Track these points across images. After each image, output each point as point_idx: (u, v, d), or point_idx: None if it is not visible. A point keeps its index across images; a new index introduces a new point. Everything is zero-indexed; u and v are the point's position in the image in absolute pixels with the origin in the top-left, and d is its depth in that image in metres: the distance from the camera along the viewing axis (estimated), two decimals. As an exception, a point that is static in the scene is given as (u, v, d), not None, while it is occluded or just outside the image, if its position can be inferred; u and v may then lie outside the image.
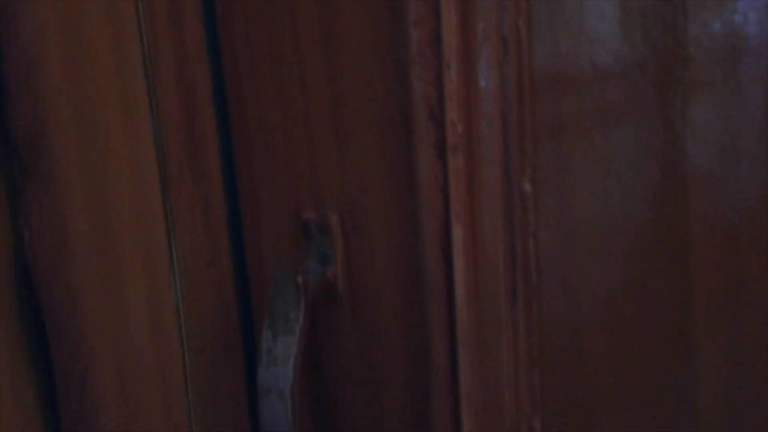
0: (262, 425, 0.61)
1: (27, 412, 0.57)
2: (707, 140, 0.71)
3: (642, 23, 0.66)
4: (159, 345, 0.63)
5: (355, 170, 0.60)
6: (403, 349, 0.61)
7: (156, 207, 0.62)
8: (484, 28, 0.55)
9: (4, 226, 0.55)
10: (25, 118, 0.55)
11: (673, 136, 0.69)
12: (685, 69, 0.68)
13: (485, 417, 0.60)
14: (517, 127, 0.57)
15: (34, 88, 0.55)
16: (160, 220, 0.62)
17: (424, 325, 0.59)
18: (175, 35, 0.61)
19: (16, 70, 0.55)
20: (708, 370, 0.74)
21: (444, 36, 0.54)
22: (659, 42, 0.67)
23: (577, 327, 0.66)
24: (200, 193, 0.64)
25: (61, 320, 0.58)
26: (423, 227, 0.58)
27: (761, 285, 0.75)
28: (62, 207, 0.57)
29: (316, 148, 0.61)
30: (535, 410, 0.62)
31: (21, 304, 0.56)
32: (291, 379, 0.60)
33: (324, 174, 0.61)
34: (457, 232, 0.58)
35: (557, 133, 0.63)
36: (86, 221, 0.59)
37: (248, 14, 0.62)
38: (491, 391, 0.60)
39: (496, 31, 0.55)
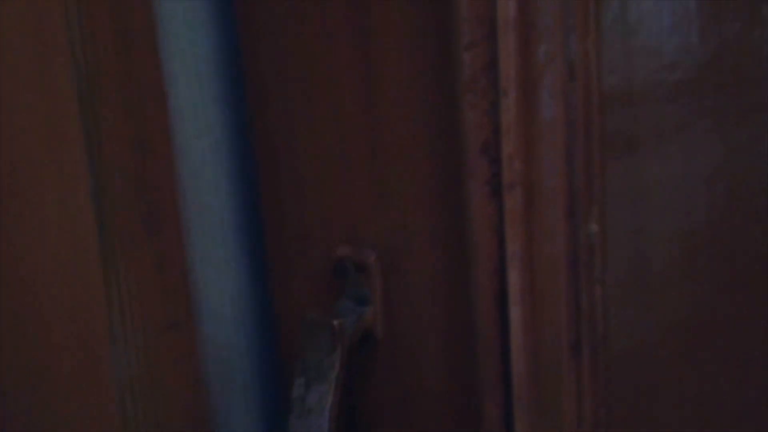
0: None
1: None
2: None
3: (721, 33, 0.58)
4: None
5: (396, 205, 0.55)
6: (450, 404, 0.56)
7: (93, 268, 0.53)
8: (547, 50, 0.48)
9: None
10: None
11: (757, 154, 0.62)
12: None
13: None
14: (584, 163, 0.50)
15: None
16: (98, 283, 0.53)
17: (474, 378, 0.54)
18: (124, 63, 0.52)
19: None
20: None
21: (501, 60, 0.48)
22: (744, 54, 0.59)
23: (650, 383, 0.60)
24: (154, 249, 0.55)
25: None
26: (474, 270, 0.53)
27: None
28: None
29: (353, 180, 0.56)
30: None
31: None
32: (326, 430, 0.55)
33: (361, 208, 0.56)
34: (513, 277, 0.52)
35: (627, 163, 0.55)
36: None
37: (278, 35, 0.55)
38: (550, 457, 0.54)
39: (561, 54, 0.48)
